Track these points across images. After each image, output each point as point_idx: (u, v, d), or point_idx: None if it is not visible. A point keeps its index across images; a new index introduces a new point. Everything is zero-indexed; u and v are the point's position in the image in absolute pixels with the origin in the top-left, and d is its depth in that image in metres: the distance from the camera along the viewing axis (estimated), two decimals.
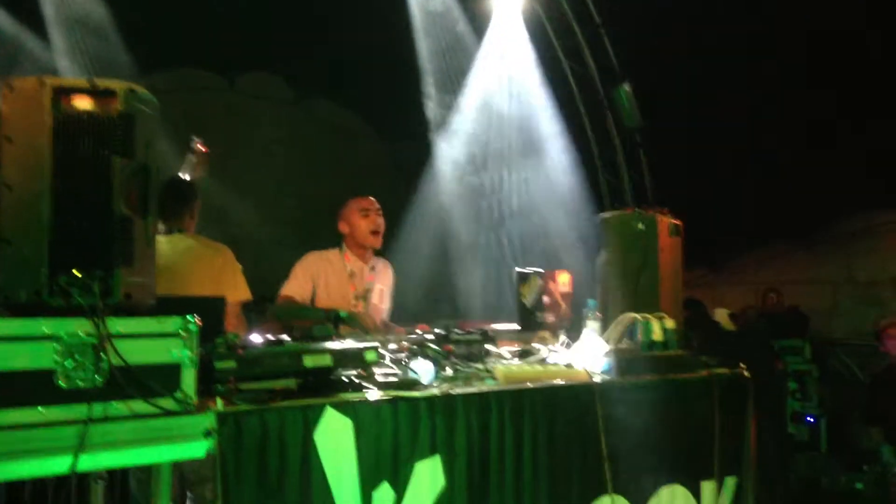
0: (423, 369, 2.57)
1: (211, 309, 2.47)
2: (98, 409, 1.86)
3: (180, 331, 2.00)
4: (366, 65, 7.55)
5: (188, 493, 2.44)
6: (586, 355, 3.01)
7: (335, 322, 3.58)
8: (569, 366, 2.89)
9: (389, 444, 2.32)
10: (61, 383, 1.84)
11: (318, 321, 3.59)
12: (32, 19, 6.04)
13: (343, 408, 2.24)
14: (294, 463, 2.15)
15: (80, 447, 1.81)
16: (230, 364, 2.16)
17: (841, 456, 5.49)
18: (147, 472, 2.14)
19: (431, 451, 2.40)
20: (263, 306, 4.34)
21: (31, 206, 1.90)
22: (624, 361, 2.93)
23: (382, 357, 2.54)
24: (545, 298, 3.50)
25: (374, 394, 2.35)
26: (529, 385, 2.69)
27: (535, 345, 3.27)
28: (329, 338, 2.50)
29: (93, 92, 1.96)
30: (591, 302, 3.35)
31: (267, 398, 2.16)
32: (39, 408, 1.81)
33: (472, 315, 8.10)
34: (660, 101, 8.14)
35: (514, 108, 8.48)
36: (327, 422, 2.21)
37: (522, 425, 2.60)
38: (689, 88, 7.60)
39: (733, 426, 3.10)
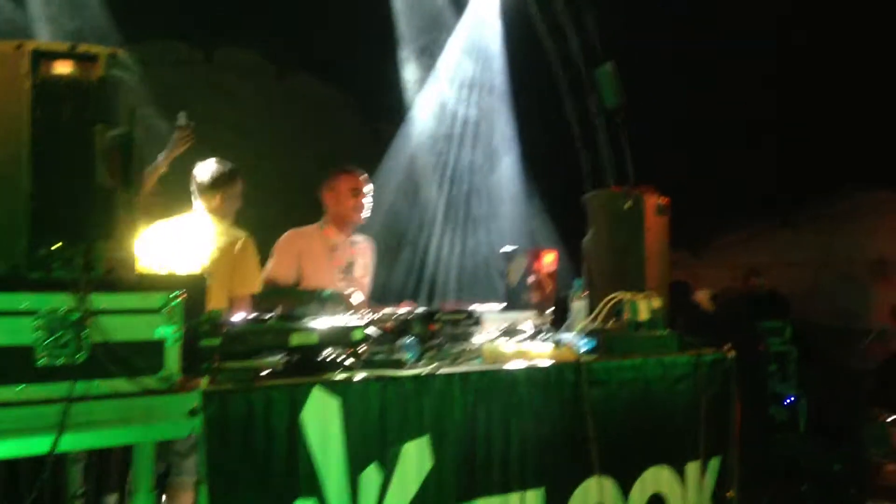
0: (409, 348, 2.53)
1: (194, 286, 2.40)
2: (79, 387, 1.80)
3: (164, 307, 1.94)
4: (347, 39, 7.43)
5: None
6: (573, 334, 2.99)
7: (319, 302, 3.55)
8: (555, 345, 2.86)
9: (377, 425, 2.29)
10: (41, 361, 1.77)
11: (304, 300, 3.59)
12: None
13: (330, 387, 2.20)
14: (280, 443, 2.11)
15: (61, 427, 1.75)
16: (215, 342, 2.10)
17: (819, 437, 5.55)
18: (129, 452, 2.09)
19: (420, 432, 2.37)
20: None
21: (9, 174, 1.82)
22: (610, 341, 2.92)
23: (369, 336, 2.49)
24: (530, 278, 3.47)
25: (361, 373, 2.31)
26: (516, 365, 2.66)
27: (521, 324, 3.24)
28: (313, 316, 2.45)
29: (73, 56, 1.88)
30: (577, 281, 3.32)
31: (253, 377, 2.11)
32: (18, 386, 1.75)
33: (451, 294, 8.09)
34: (641, 81, 8.11)
35: (486, 87, 8.43)
36: (314, 402, 2.16)
37: (509, 405, 2.58)
38: (670, 68, 7.56)
39: (718, 407, 3.10)
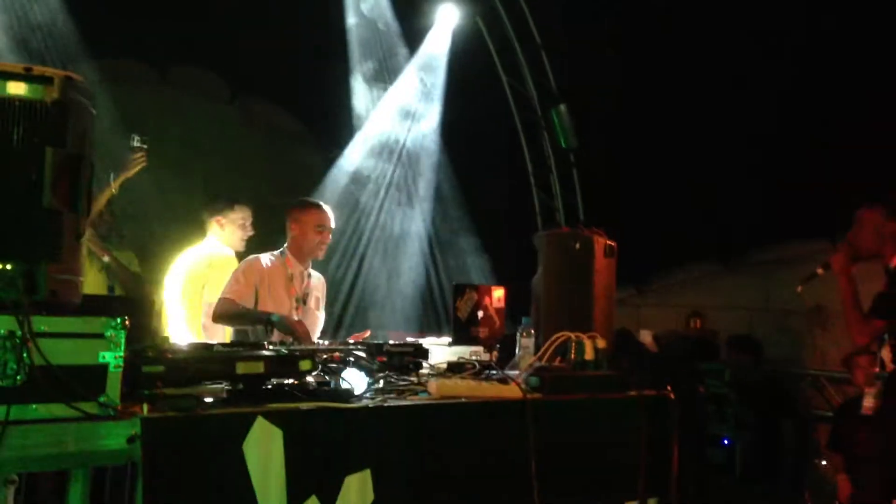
0: (355, 380, 2.53)
1: (139, 310, 2.38)
2: (16, 410, 1.76)
3: (107, 332, 1.92)
4: (304, 66, 7.46)
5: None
6: (519, 372, 3.02)
7: (267, 325, 3.54)
8: (502, 381, 2.89)
9: (320, 457, 2.27)
10: None
11: (254, 322, 3.61)
12: None
13: (274, 417, 2.18)
14: (220, 473, 2.08)
15: None
16: (158, 368, 2.08)
17: (755, 480, 5.65)
18: (64, 477, 2.05)
19: (362, 465, 2.35)
20: None
21: None
22: (556, 380, 2.95)
23: (316, 366, 2.48)
24: (479, 313, 3.50)
25: (306, 404, 2.30)
26: (462, 399, 2.67)
27: (469, 359, 3.26)
28: (262, 345, 2.44)
29: (28, 78, 1.86)
30: (525, 319, 3.36)
31: (195, 405, 2.08)
32: None
33: (399, 327, 8.07)
34: (592, 123, 8.30)
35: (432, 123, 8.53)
36: (257, 432, 2.14)
37: (454, 440, 2.59)
38: (621, 112, 7.75)
39: (658, 447, 3.14)
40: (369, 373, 2.66)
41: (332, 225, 4.07)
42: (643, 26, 7.52)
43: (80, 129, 1.96)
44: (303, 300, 4.00)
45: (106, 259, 4.50)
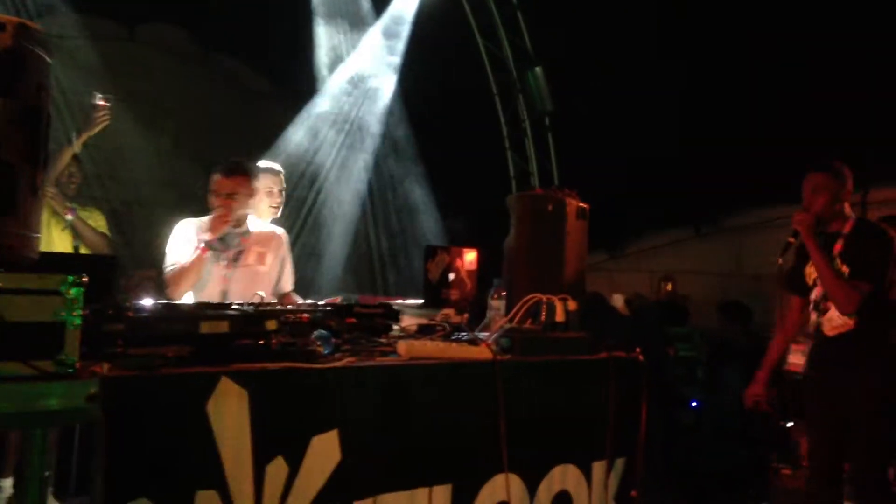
0: (323, 341, 2.50)
1: (101, 268, 2.32)
2: None
3: (65, 289, 1.86)
4: (275, 25, 7.32)
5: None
6: (489, 334, 3.01)
7: None
8: (471, 343, 2.87)
9: (286, 417, 2.25)
10: None
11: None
12: None
13: (239, 377, 2.15)
14: (183, 434, 2.05)
15: None
16: (118, 327, 2.03)
17: (721, 441, 5.73)
18: (23, 438, 2.01)
19: (329, 425, 2.34)
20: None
21: None
22: (526, 341, 2.94)
23: (283, 326, 2.45)
24: (451, 275, 3.47)
25: (272, 364, 2.26)
26: (432, 361, 2.66)
27: (439, 321, 3.24)
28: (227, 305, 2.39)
29: None
30: (496, 280, 3.34)
31: (157, 364, 2.04)
32: None
33: (387, 290, 8.07)
34: (568, 85, 8.25)
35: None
36: (221, 392, 2.11)
37: (422, 401, 2.58)
38: (596, 75, 7.71)
39: (627, 409, 3.16)
40: (337, 333, 2.63)
41: (239, 190, 3.88)
42: None
43: (34, 79, 1.88)
44: (234, 259, 3.91)
45: (70, 217, 4.42)
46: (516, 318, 3.08)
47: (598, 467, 3.10)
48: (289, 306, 2.84)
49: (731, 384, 5.85)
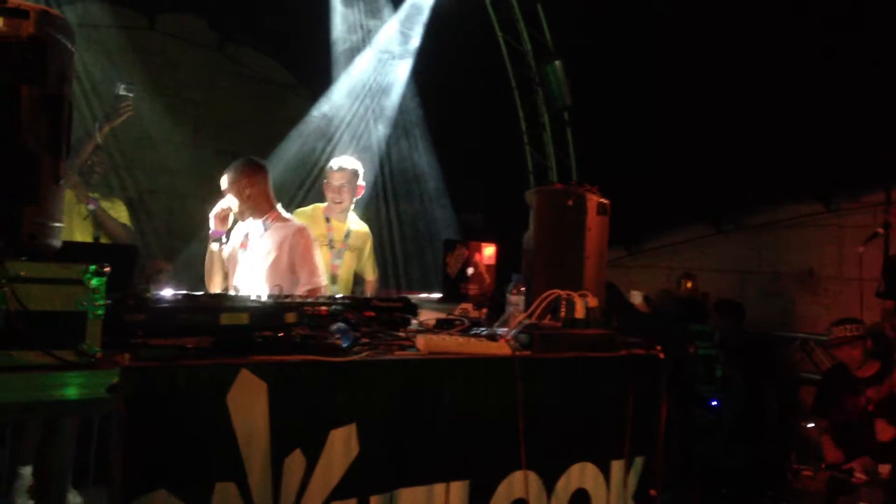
0: (343, 334, 2.49)
1: (122, 258, 2.32)
2: None
3: (87, 278, 1.86)
4: (296, 14, 7.31)
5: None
6: (508, 329, 2.99)
7: None
8: (490, 338, 2.86)
9: (305, 410, 2.24)
10: None
11: None
12: None
13: (258, 370, 2.15)
14: (203, 425, 2.05)
15: None
16: (140, 317, 2.03)
17: (740, 441, 5.69)
18: (42, 427, 2.01)
19: (348, 419, 2.33)
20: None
21: None
22: (545, 337, 2.92)
23: (302, 319, 2.44)
24: (469, 269, 3.45)
25: (291, 357, 2.25)
26: (450, 356, 2.64)
27: (458, 316, 3.22)
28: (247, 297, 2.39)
29: (2, 11, 1.77)
30: (515, 276, 3.32)
31: (178, 355, 2.04)
32: None
33: (405, 285, 8.06)
34: (587, 80, 8.18)
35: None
36: (241, 384, 2.11)
37: (441, 397, 2.56)
38: (616, 69, 7.65)
39: (646, 407, 3.13)
40: (356, 327, 2.62)
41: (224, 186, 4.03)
42: None
43: (58, 67, 1.88)
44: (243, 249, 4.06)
45: (91, 207, 4.43)
46: (535, 314, 3.06)
47: (616, 466, 3.07)
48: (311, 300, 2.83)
49: (738, 382, 5.83)
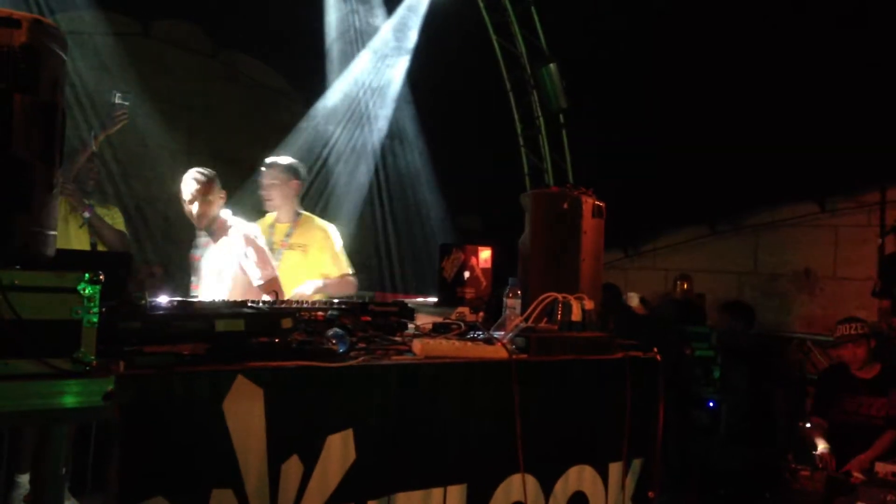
0: (339, 339, 2.49)
1: (117, 265, 2.32)
2: None
3: (81, 286, 1.86)
4: (291, 20, 7.31)
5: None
6: (505, 333, 2.98)
7: None
8: (487, 342, 2.85)
9: (301, 416, 2.24)
10: None
11: None
12: None
13: (254, 376, 2.14)
14: (199, 432, 2.04)
15: None
16: (135, 325, 2.02)
17: (738, 442, 5.69)
18: (38, 435, 2.01)
19: (344, 424, 2.33)
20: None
21: None
22: (542, 341, 2.92)
23: (298, 324, 2.44)
24: (466, 273, 3.45)
25: (288, 362, 2.25)
26: (447, 360, 2.64)
27: (454, 319, 3.22)
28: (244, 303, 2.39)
29: None
30: (511, 279, 3.32)
31: (173, 362, 2.03)
32: None
33: (401, 289, 8.05)
34: (583, 83, 8.19)
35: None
36: (237, 390, 2.10)
37: (438, 401, 2.56)
38: (611, 72, 7.66)
39: (644, 409, 3.13)
40: (352, 332, 2.62)
41: (188, 195, 4.23)
42: None
43: (50, 75, 1.87)
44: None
45: (86, 215, 4.43)
46: (532, 318, 3.06)
47: (614, 468, 3.07)
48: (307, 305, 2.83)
49: (740, 384, 5.82)
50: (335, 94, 8.08)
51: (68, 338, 1.82)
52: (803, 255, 7.24)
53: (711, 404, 6.04)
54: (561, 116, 8.73)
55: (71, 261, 1.95)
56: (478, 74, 8.54)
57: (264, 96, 8.45)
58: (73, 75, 6.33)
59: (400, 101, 8.48)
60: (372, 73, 8.32)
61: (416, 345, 2.67)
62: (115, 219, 4.68)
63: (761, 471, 5.10)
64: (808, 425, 4.93)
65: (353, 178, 8.43)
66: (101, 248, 4.47)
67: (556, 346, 2.95)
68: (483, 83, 8.70)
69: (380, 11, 8.28)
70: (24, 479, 3.91)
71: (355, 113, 8.28)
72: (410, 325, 3.03)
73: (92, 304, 1.85)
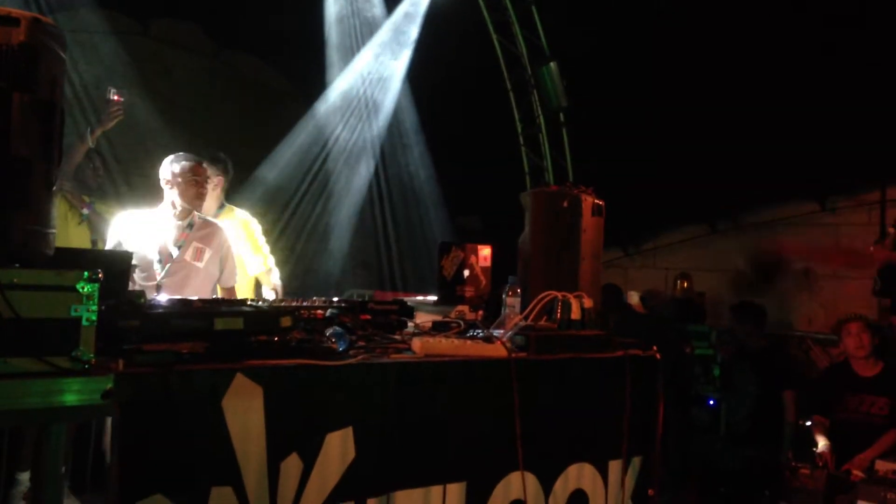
0: (338, 338, 2.49)
1: (116, 264, 2.32)
2: None
3: (80, 285, 1.86)
4: (290, 21, 7.31)
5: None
6: (504, 331, 2.99)
7: None
8: (486, 341, 2.85)
9: (301, 414, 2.24)
10: None
11: None
12: None
13: (254, 374, 2.14)
14: (198, 430, 2.04)
15: None
16: (134, 323, 2.02)
17: (738, 439, 5.68)
18: (37, 433, 2.01)
19: (344, 422, 2.33)
20: None
21: None
22: (541, 339, 2.92)
23: (298, 323, 2.44)
24: (465, 272, 3.45)
25: (287, 361, 2.25)
26: (446, 358, 2.64)
27: (453, 318, 3.22)
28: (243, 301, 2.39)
29: None
30: (511, 278, 3.32)
31: (173, 361, 2.04)
32: None
33: (395, 286, 8.05)
34: (583, 82, 8.20)
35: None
36: (236, 388, 2.10)
37: (437, 399, 2.56)
38: (611, 71, 7.66)
39: (643, 407, 3.13)
40: (352, 330, 2.62)
41: (207, 177, 4.04)
42: None
43: (49, 73, 1.87)
44: (175, 251, 3.91)
45: (85, 212, 4.43)
46: (531, 316, 3.06)
47: (614, 466, 3.07)
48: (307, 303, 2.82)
49: (744, 386, 5.80)
50: (335, 94, 8.08)
51: (67, 336, 1.83)
52: (803, 254, 7.24)
53: (711, 402, 6.03)
54: (561, 115, 8.73)
55: (70, 259, 1.95)
56: (478, 74, 8.54)
57: (264, 95, 8.45)
58: (73, 75, 6.33)
59: (400, 100, 8.48)
60: (372, 72, 8.32)
61: (416, 343, 2.67)
62: (114, 216, 4.68)
63: (761, 469, 5.10)
64: (809, 423, 4.92)
65: (354, 177, 8.43)
66: (101, 245, 4.48)
67: (555, 345, 2.95)
68: (483, 82, 8.70)
69: (380, 11, 8.28)
70: (25, 476, 3.91)
71: (355, 112, 8.28)
72: (410, 324, 3.03)
73: (91, 303, 1.85)
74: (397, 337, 2.82)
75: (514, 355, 2.76)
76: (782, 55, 6.62)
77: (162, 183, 3.98)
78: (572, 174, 8.63)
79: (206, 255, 4.01)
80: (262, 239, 4.68)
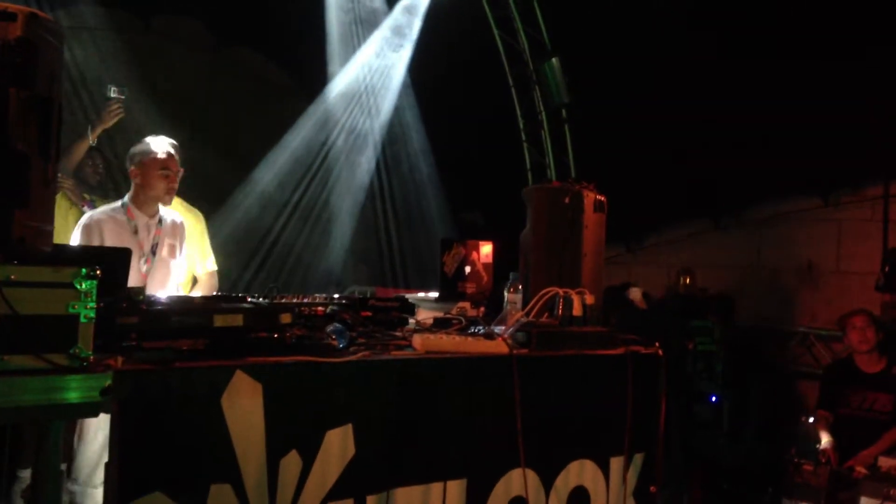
0: (339, 334, 2.48)
1: (115, 260, 2.31)
2: None
3: (78, 282, 1.85)
4: (291, 16, 7.30)
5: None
6: (506, 328, 2.97)
7: None
8: (488, 337, 2.84)
9: (300, 411, 2.23)
10: None
11: None
12: None
13: (253, 371, 2.13)
14: (197, 427, 2.04)
15: None
16: (132, 320, 2.01)
17: (741, 436, 5.67)
18: (37, 430, 2.00)
19: (343, 419, 2.32)
20: None
21: None
22: (543, 335, 2.90)
23: (297, 319, 2.43)
24: (467, 268, 3.44)
25: (287, 357, 2.24)
26: (447, 355, 2.63)
27: (454, 314, 3.21)
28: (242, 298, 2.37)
29: None
30: (512, 274, 3.31)
31: (172, 358, 2.02)
32: None
33: (397, 282, 8.05)
34: (585, 77, 8.17)
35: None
36: (236, 385, 2.09)
37: (438, 396, 2.55)
38: (614, 66, 7.63)
39: (645, 404, 3.12)
40: (352, 327, 2.61)
41: (177, 170, 3.85)
42: None
43: (47, 69, 1.86)
44: (151, 252, 3.80)
45: (85, 209, 4.42)
46: (533, 312, 3.05)
47: (615, 463, 3.06)
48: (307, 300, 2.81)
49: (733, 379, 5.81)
50: (337, 89, 8.07)
51: (65, 333, 1.82)
52: (806, 249, 7.22)
53: (714, 399, 6.02)
54: (563, 111, 8.70)
55: (68, 256, 1.94)
56: (480, 69, 8.52)
57: (266, 92, 8.42)
58: (73, 70, 6.31)
59: (402, 96, 8.46)
60: (374, 68, 8.30)
61: (417, 340, 2.66)
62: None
63: (764, 465, 5.09)
64: (812, 419, 4.92)
65: (355, 173, 8.42)
66: None
67: (557, 341, 2.94)
68: (485, 78, 8.67)
69: (382, 6, 8.26)
70: (26, 473, 3.91)
71: (357, 108, 8.27)
72: (411, 320, 3.03)
73: (89, 300, 1.85)
74: (398, 333, 2.81)
75: (515, 352, 2.75)
76: (785, 49, 6.59)
77: (130, 172, 3.83)
78: (574, 170, 8.61)
79: (177, 250, 3.97)
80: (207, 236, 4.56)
